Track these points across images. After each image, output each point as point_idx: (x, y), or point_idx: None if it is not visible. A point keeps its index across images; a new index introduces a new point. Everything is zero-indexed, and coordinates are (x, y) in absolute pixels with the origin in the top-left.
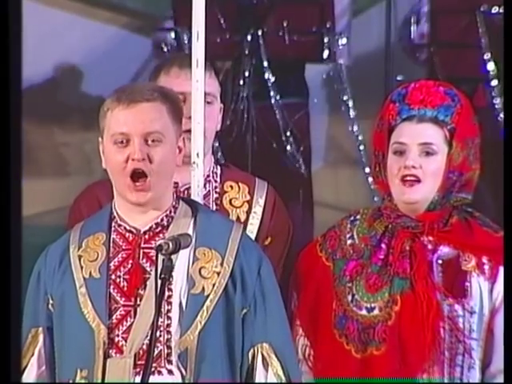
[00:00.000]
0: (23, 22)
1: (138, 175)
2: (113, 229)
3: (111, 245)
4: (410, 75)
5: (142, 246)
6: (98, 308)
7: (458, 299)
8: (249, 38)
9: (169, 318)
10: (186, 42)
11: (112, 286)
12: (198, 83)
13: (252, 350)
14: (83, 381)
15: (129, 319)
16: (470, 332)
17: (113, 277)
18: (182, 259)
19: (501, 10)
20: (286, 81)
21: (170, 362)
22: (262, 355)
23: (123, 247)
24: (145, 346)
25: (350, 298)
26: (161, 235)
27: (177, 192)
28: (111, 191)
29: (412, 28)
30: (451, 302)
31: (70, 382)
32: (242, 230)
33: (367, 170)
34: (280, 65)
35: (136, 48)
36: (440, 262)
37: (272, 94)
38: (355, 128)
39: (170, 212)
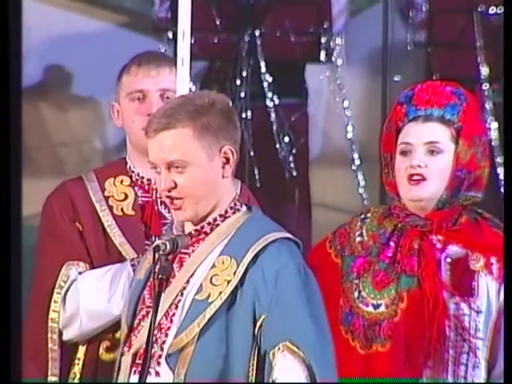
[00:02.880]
0: (23, 22)
1: (171, 198)
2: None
3: None
4: (406, 76)
5: None
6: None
7: (464, 298)
8: (246, 38)
9: (172, 321)
10: None
11: (147, 289)
12: (183, 82)
13: (273, 350)
14: None
15: (146, 320)
16: (476, 331)
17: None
18: (203, 267)
19: (498, 11)
20: (283, 81)
21: (159, 363)
22: (284, 350)
23: None
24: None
25: (356, 294)
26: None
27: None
28: (84, 189)
29: (409, 28)
30: (457, 300)
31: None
32: (267, 242)
33: (359, 172)
34: (277, 65)
35: (134, 47)
36: (448, 260)
37: (269, 94)
38: (351, 128)
39: (222, 215)
